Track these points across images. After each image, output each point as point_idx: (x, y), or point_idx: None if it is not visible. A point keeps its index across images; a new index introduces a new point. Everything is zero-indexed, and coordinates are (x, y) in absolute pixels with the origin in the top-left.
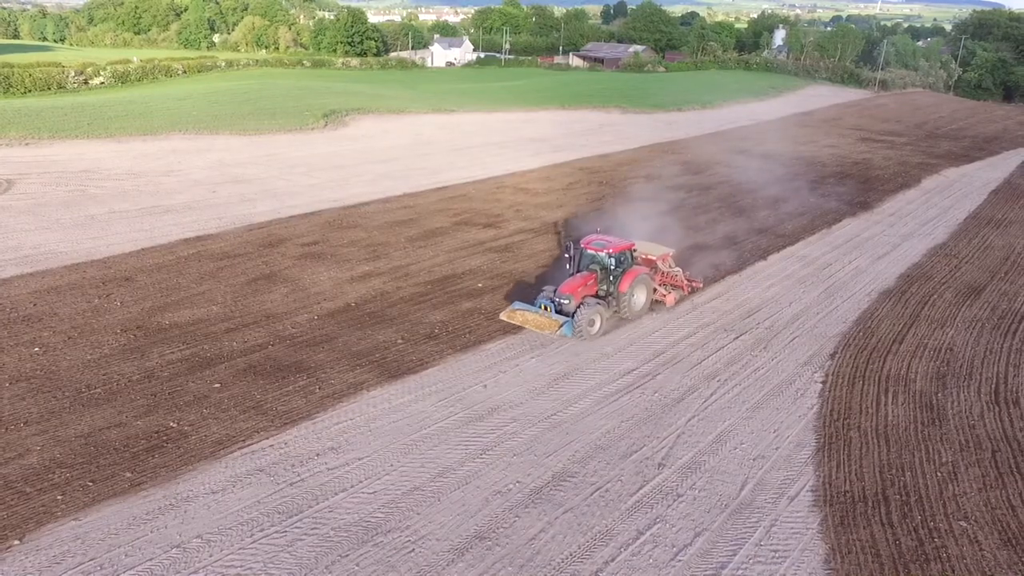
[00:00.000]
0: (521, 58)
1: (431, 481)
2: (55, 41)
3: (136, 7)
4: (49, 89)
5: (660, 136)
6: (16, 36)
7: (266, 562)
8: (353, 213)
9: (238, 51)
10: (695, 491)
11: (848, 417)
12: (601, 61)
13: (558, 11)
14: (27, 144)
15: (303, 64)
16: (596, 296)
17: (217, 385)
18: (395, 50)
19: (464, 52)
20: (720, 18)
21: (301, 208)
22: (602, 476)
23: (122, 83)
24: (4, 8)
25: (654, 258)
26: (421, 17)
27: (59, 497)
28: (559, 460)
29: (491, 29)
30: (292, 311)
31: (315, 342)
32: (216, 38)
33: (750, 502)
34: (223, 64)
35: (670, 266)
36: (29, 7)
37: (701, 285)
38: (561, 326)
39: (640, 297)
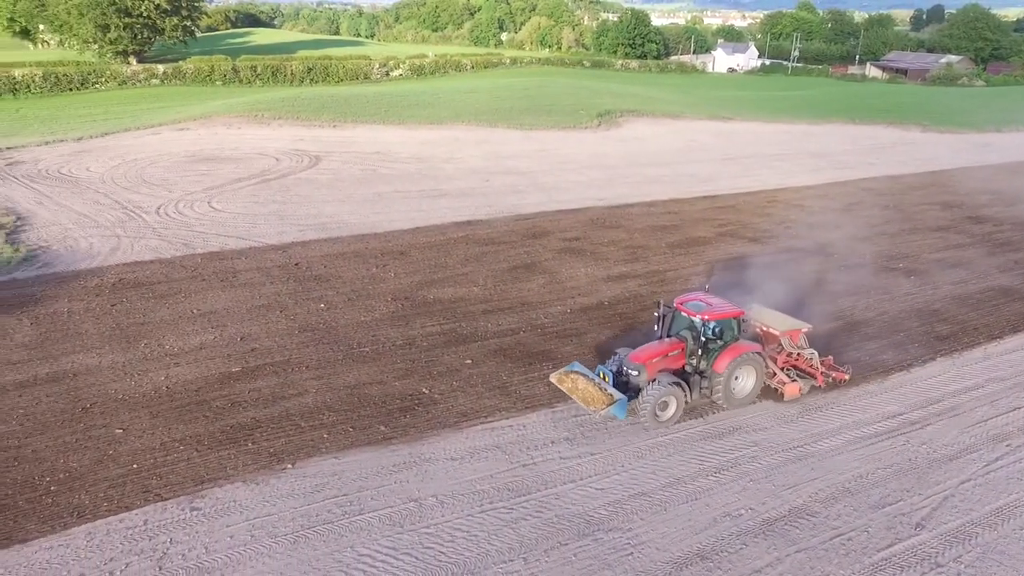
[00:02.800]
0: (810, 67)
1: (660, 489)
2: (366, 37)
3: (436, 7)
4: (357, 79)
5: (968, 159)
6: (336, 32)
7: (490, 533)
8: (617, 213)
9: (523, 49)
10: (960, 566)
11: None
12: (904, 72)
13: (859, 16)
14: (335, 126)
15: (583, 64)
16: (680, 371)
17: (468, 361)
18: (676, 54)
19: (748, 58)
20: None
21: (567, 203)
22: (846, 522)
23: (417, 76)
24: (329, 8)
25: (777, 333)
26: (706, 21)
27: (325, 436)
28: (799, 495)
29: (780, 35)
30: (547, 301)
31: (565, 334)
32: (504, 36)
33: None
34: (508, 61)
35: (800, 346)
36: (349, 7)
37: (847, 376)
38: (611, 404)
39: (746, 382)
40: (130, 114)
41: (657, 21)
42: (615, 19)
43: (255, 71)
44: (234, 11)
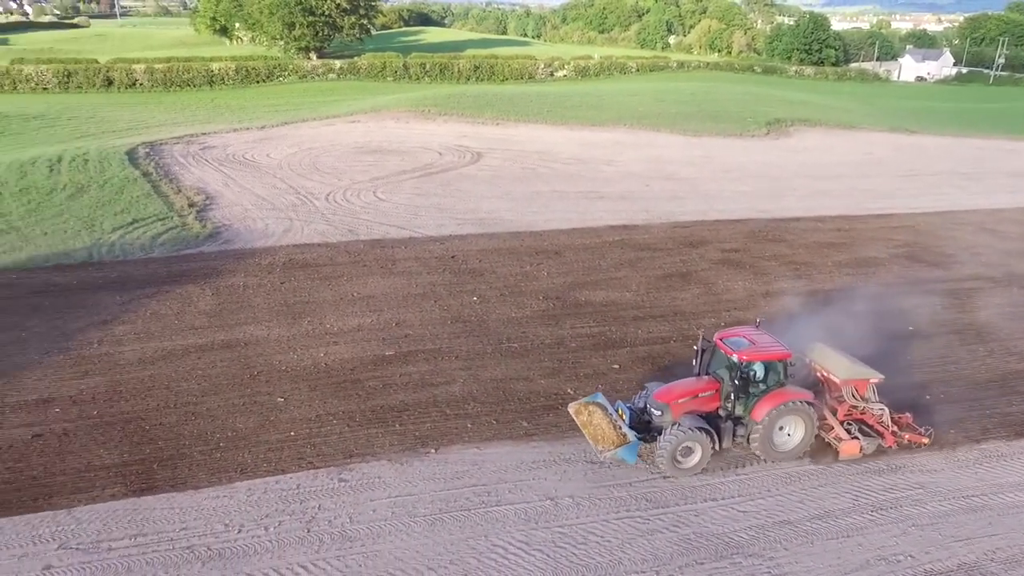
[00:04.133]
0: (1018, 75)
1: (807, 520)
2: (533, 37)
3: (603, 8)
4: (522, 78)
5: None
6: (504, 32)
7: (623, 541)
8: (781, 227)
9: (691, 53)
10: None
11: None
12: None
13: None
14: (497, 124)
15: (753, 70)
16: (710, 415)
17: (616, 366)
18: (857, 60)
19: (940, 66)
20: None
21: (728, 213)
22: None
23: (582, 77)
24: (497, 8)
25: (838, 381)
26: (894, 25)
27: (469, 426)
28: (972, 550)
29: (982, 40)
30: (700, 312)
31: None
32: (671, 39)
33: None
34: (674, 65)
35: (867, 399)
36: (517, 8)
37: (927, 441)
38: (620, 446)
39: (793, 435)
40: (308, 106)
41: (838, 25)
42: (791, 23)
43: (424, 68)
44: (407, 10)
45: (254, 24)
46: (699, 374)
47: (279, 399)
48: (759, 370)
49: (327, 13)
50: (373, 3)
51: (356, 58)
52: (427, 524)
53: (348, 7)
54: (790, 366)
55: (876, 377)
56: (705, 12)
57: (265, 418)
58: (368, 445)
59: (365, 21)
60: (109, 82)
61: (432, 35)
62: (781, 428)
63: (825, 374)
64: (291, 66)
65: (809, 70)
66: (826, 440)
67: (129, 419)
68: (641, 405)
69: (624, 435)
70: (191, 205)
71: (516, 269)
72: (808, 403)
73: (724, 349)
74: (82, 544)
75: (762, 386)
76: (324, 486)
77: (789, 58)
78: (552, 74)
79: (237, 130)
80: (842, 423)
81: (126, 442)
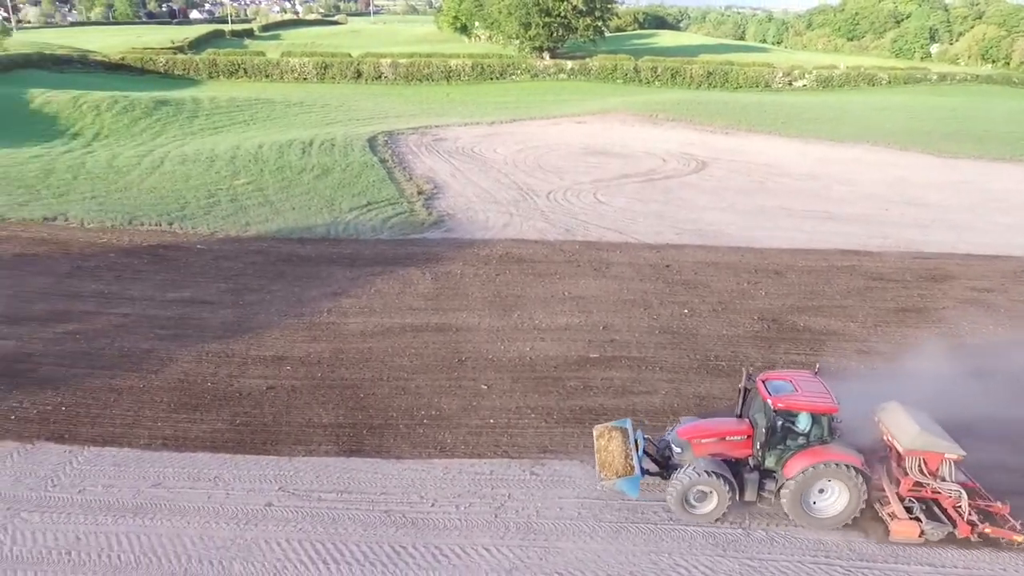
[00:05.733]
0: None
1: None
2: (773, 44)
3: (856, 14)
4: (757, 87)
5: None
6: (742, 37)
7: None
8: None
9: (956, 63)
10: None
11: None
12: None
13: None
14: (726, 133)
15: None
16: (739, 461)
17: None
18: None
19: None
20: None
21: (983, 247)
22: None
23: (823, 87)
24: (737, 12)
25: (901, 449)
26: None
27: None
28: None
29: None
30: None
31: None
32: (933, 48)
33: None
34: (934, 77)
35: (940, 477)
36: (759, 12)
37: (1020, 540)
38: (624, 476)
39: (834, 501)
40: (537, 104)
41: None
42: None
43: (655, 72)
44: (643, 13)
45: (492, 23)
46: (740, 415)
47: (483, 386)
48: (802, 421)
49: (563, 14)
50: (609, 5)
51: (588, 59)
52: (611, 530)
53: (584, 9)
54: (835, 422)
55: (955, 453)
56: (980, 17)
57: (468, 403)
58: (563, 443)
59: (600, 23)
60: (358, 74)
61: (666, 38)
62: (821, 491)
63: (889, 438)
64: (524, 65)
65: None
66: (881, 516)
67: (347, 385)
68: (646, 438)
69: (630, 467)
70: (420, 193)
71: (732, 285)
72: (855, 468)
73: (762, 392)
74: (297, 490)
75: (801, 440)
76: (516, 476)
77: None
78: (790, 83)
79: (468, 124)
80: (903, 499)
81: (342, 406)
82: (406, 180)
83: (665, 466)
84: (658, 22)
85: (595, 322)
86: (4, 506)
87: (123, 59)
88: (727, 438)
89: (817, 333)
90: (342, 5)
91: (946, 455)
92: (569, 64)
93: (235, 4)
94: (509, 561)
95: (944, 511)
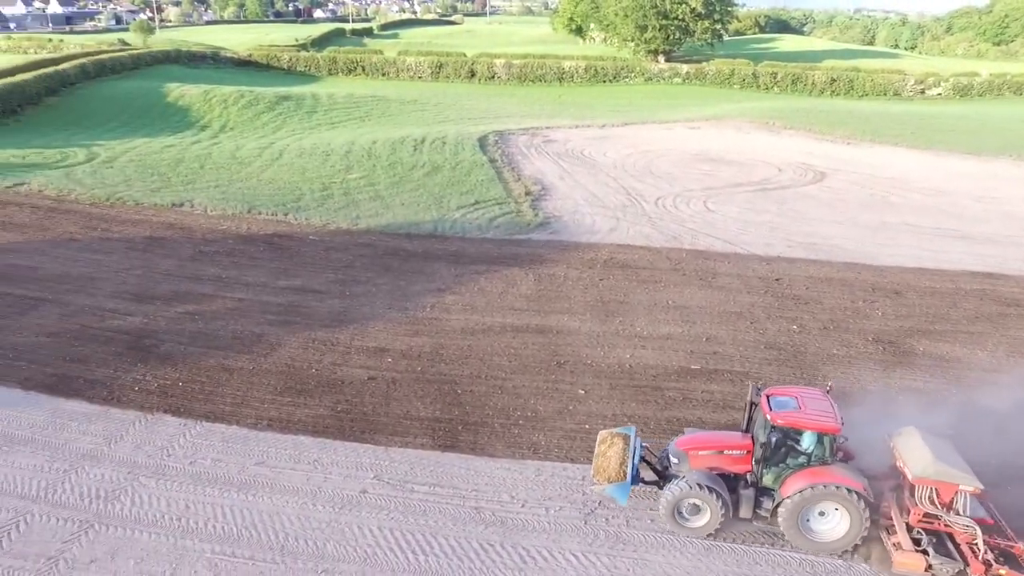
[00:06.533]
0: None
1: None
2: (906, 49)
3: (1005, 16)
4: (885, 95)
5: None
6: (871, 42)
7: None
8: None
9: None
10: None
11: None
12: None
13: None
14: (848, 143)
15: None
16: (738, 477)
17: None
18: None
19: None
20: None
21: None
22: None
23: (961, 96)
24: (868, 16)
25: (910, 477)
26: None
27: None
28: None
29: None
30: None
31: None
32: None
33: None
34: None
35: (954, 509)
36: (891, 15)
37: None
38: (615, 482)
39: (835, 525)
40: (649, 108)
41: None
42: None
43: (774, 77)
44: (765, 16)
45: (608, 25)
46: (747, 430)
47: (580, 391)
48: (804, 440)
49: (681, 17)
50: (729, 8)
51: (704, 63)
52: (703, 548)
53: (703, 11)
54: (837, 442)
55: (971, 486)
56: None
57: (564, 406)
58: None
59: (719, 26)
60: (472, 74)
61: (788, 43)
62: (822, 514)
63: (900, 463)
64: (638, 68)
65: None
66: (885, 546)
67: (445, 380)
68: (645, 447)
69: (622, 473)
70: (527, 194)
71: (846, 303)
72: (856, 492)
73: (763, 407)
74: (392, 480)
75: (802, 459)
76: None
77: None
78: (923, 91)
79: (579, 126)
80: (911, 530)
81: (440, 401)
82: (514, 180)
83: (663, 476)
84: (780, 26)
85: (698, 333)
86: (126, 470)
87: (250, 56)
88: (725, 452)
89: (939, 359)
90: (459, 5)
91: (960, 487)
92: (685, 68)
93: (356, 4)
94: (596, 569)
95: (958, 547)
